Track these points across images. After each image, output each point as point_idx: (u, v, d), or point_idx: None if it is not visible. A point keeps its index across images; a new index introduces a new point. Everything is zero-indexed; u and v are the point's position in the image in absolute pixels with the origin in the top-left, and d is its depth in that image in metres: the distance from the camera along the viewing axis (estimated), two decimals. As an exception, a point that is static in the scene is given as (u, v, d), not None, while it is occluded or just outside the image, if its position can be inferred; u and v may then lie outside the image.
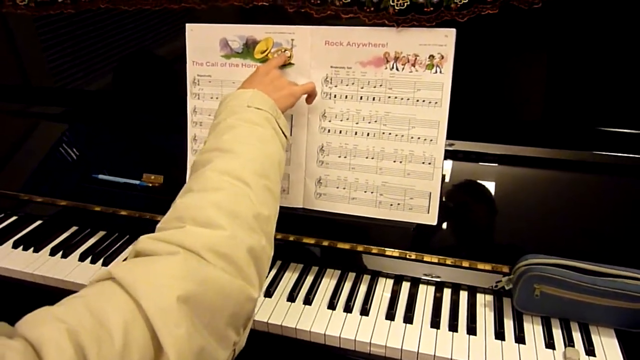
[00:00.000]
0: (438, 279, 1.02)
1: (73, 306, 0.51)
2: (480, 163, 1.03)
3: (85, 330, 0.47)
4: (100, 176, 1.23)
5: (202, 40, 1.05)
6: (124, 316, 0.49)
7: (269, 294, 1.01)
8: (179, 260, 0.56)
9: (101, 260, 1.13)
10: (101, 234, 1.23)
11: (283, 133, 0.84)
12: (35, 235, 1.23)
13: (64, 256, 1.15)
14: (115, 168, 1.23)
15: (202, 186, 0.68)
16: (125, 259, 0.82)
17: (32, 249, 1.18)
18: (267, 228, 0.70)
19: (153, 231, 1.19)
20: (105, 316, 0.49)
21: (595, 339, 0.89)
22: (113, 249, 1.17)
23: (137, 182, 1.20)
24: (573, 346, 0.88)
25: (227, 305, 0.58)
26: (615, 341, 0.89)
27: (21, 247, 1.19)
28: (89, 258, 1.14)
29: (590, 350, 0.87)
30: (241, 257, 0.62)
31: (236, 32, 1.03)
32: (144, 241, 0.61)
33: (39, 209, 1.29)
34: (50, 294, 1.11)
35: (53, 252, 1.17)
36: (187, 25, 1.05)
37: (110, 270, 0.55)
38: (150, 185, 1.19)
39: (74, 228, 1.25)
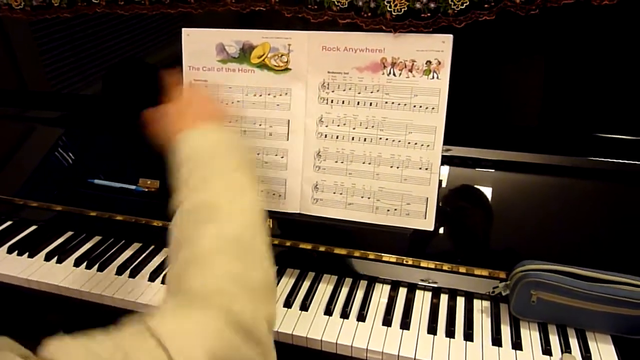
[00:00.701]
0: (435, 285, 1.02)
1: (107, 345, 0.51)
2: (477, 169, 1.03)
3: None
4: (96, 181, 1.22)
5: (199, 45, 1.05)
6: None
7: (265, 299, 1.01)
8: (215, 318, 0.56)
9: (97, 266, 1.12)
10: (97, 239, 1.23)
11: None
12: (30, 240, 1.23)
13: (59, 261, 1.15)
14: (111, 173, 1.23)
15: (206, 257, 0.63)
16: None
17: (27, 254, 1.17)
18: (273, 285, 0.68)
19: (148, 237, 1.19)
20: None
21: (592, 345, 0.89)
22: (109, 254, 1.16)
23: (134, 187, 1.19)
24: (570, 352, 0.88)
25: None
26: (612, 347, 0.89)
27: (16, 252, 1.18)
28: (85, 263, 1.13)
29: (587, 356, 0.87)
30: (262, 331, 0.60)
31: (233, 37, 1.03)
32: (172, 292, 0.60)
33: (34, 214, 1.28)
34: (45, 299, 1.11)
35: (48, 258, 1.16)
36: (183, 29, 1.05)
37: (147, 321, 0.54)
38: (147, 190, 1.18)
39: (70, 233, 1.25)
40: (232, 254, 0.63)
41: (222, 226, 0.66)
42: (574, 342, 0.90)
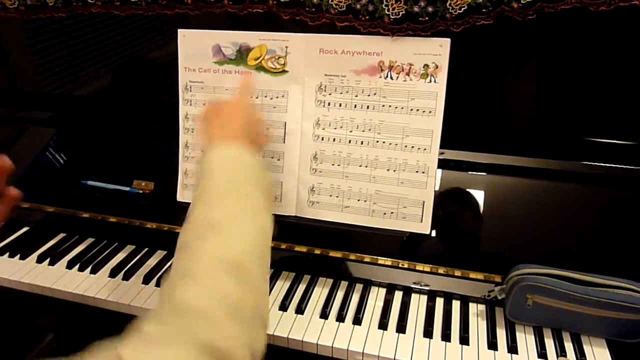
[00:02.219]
0: (430, 288, 1.02)
1: None
2: (470, 172, 1.03)
3: None
4: (90, 182, 1.21)
5: (195, 46, 1.04)
6: None
7: (260, 302, 1.00)
8: (188, 347, 0.54)
9: (89, 268, 1.11)
10: (90, 240, 1.21)
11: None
12: (22, 242, 1.21)
13: (52, 263, 1.13)
14: (104, 174, 1.22)
15: (199, 273, 0.63)
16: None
17: (18, 255, 1.15)
18: (264, 316, 0.66)
19: (142, 239, 1.18)
20: None
21: (587, 349, 0.90)
22: (102, 256, 1.15)
23: (127, 188, 1.18)
24: (565, 356, 0.88)
25: None
26: (607, 351, 0.89)
27: (7, 254, 1.16)
28: (77, 265, 1.12)
29: (582, 360, 0.87)
30: (240, 358, 0.58)
31: (229, 39, 1.02)
32: (151, 321, 0.58)
33: (26, 216, 1.27)
34: (37, 301, 1.09)
35: (40, 260, 1.14)
36: (179, 30, 1.05)
37: (119, 352, 0.53)
38: (141, 192, 1.17)
39: (62, 235, 1.23)
40: (226, 276, 0.63)
41: (224, 246, 0.66)
42: (569, 346, 0.90)
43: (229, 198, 0.72)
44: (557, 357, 0.88)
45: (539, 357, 0.88)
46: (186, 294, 0.60)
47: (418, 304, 1.01)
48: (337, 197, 1.03)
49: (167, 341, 0.55)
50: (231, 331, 0.58)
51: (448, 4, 0.87)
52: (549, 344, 0.91)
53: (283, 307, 0.99)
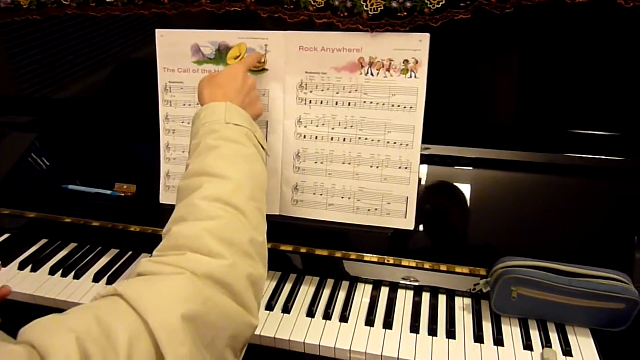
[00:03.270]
0: (417, 284, 1.02)
1: (82, 316, 0.52)
2: (456, 167, 1.04)
3: (93, 341, 0.48)
4: (71, 187, 1.20)
5: (173, 46, 1.03)
6: (129, 331, 0.50)
7: (247, 303, 1.00)
8: (186, 280, 0.57)
9: (73, 273, 1.10)
10: (72, 246, 1.20)
11: (262, 147, 0.83)
12: (3, 250, 1.19)
13: (34, 270, 1.12)
14: (86, 178, 1.20)
15: (196, 215, 0.67)
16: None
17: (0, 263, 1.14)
18: (263, 252, 0.70)
19: (126, 242, 1.17)
20: (112, 329, 0.50)
21: (572, 339, 0.90)
22: (85, 261, 1.14)
23: (109, 192, 1.17)
24: (551, 347, 0.89)
25: (229, 328, 0.60)
26: (592, 341, 0.90)
27: (-12, 262, 1.15)
28: (60, 271, 1.11)
29: (567, 350, 0.88)
30: (242, 287, 0.62)
31: (208, 38, 1.01)
32: (145, 264, 0.61)
33: (6, 222, 1.25)
34: (18, 309, 1.07)
35: (22, 266, 1.13)
36: (157, 30, 1.03)
37: (116, 287, 0.55)
38: (123, 195, 1.16)
39: (44, 241, 1.22)
40: (221, 211, 0.67)
41: (218, 188, 0.70)
42: (554, 337, 0.91)
43: (220, 148, 0.75)
44: (543, 348, 0.88)
45: (524, 348, 0.89)
46: (183, 229, 0.65)
47: (405, 299, 1.01)
48: (321, 195, 1.02)
49: (165, 276, 0.58)
50: (227, 261, 0.62)
51: (426, -1, 0.87)
52: (535, 335, 0.91)
53: (270, 307, 0.99)
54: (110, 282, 1.07)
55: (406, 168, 0.97)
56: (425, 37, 0.91)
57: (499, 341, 0.90)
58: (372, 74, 0.95)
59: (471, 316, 0.96)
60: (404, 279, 1.03)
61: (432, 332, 0.93)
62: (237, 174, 0.73)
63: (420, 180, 0.99)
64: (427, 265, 1.01)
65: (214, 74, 0.90)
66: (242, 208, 0.69)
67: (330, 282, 1.05)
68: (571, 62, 0.98)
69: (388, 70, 0.94)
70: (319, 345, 0.91)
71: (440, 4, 0.87)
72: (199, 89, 0.88)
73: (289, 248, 1.07)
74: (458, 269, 1.00)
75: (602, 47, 0.95)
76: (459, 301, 1.00)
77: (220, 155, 0.74)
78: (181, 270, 0.58)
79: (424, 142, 0.97)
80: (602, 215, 0.97)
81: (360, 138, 0.98)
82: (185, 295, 0.56)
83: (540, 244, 0.97)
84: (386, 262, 1.02)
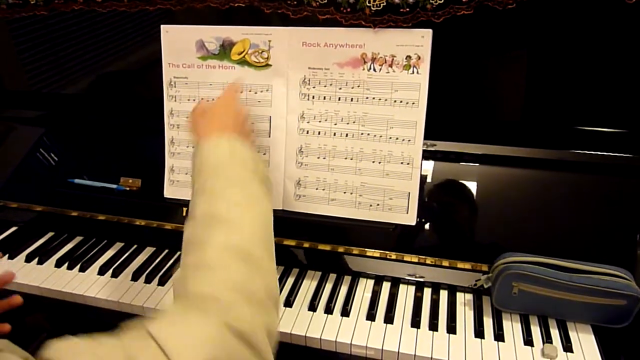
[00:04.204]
0: (418, 279, 1.03)
1: (112, 349, 0.52)
2: (461, 163, 1.04)
3: None
4: (77, 180, 1.21)
5: (178, 42, 1.04)
6: None
7: (249, 297, 1.00)
8: (213, 325, 0.57)
9: (78, 266, 1.11)
10: (78, 239, 1.22)
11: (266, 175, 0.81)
12: (11, 242, 1.21)
13: (40, 262, 1.13)
14: (92, 172, 1.21)
15: (211, 264, 0.65)
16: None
17: (7, 255, 1.15)
18: (275, 294, 0.69)
19: (131, 236, 1.19)
20: None
21: (572, 335, 0.90)
22: (90, 254, 1.15)
23: (115, 186, 1.18)
24: (551, 343, 0.89)
25: None
26: (592, 337, 0.90)
27: (-4, 254, 1.16)
28: (66, 264, 1.12)
29: (567, 346, 0.88)
30: (260, 339, 0.61)
31: (212, 34, 1.02)
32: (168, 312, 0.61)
33: (13, 215, 1.27)
34: (26, 301, 1.09)
35: (29, 259, 1.14)
36: (162, 26, 1.04)
37: (148, 328, 0.55)
38: (128, 189, 1.17)
39: (51, 234, 1.23)
40: (236, 263, 0.65)
41: (231, 235, 0.68)
42: (555, 333, 0.91)
43: (228, 189, 0.74)
44: (543, 344, 0.88)
45: (525, 344, 0.89)
46: (200, 285, 0.63)
47: (406, 294, 1.01)
48: (324, 190, 1.03)
49: (192, 320, 0.58)
50: (247, 314, 0.61)
51: (429, -6, 0.87)
52: (535, 331, 0.91)
53: (271, 300, 1.00)
54: (115, 274, 1.09)
55: (408, 163, 0.98)
56: (428, 33, 0.91)
57: (499, 336, 0.90)
58: (374, 70, 0.96)
59: (472, 312, 0.96)
60: (405, 274, 1.03)
61: (433, 326, 0.93)
62: (247, 218, 0.71)
63: (425, 176, 1.00)
64: (429, 261, 1.01)
65: (205, 103, 0.90)
66: (258, 254, 0.68)
67: (332, 277, 1.06)
68: (576, 58, 0.98)
69: (390, 65, 0.95)
70: (320, 338, 0.92)
71: (443, -1, 0.87)
72: (192, 118, 0.88)
73: (292, 242, 1.07)
74: (460, 265, 1.00)
75: (608, 43, 0.95)
76: (460, 296, 1.00)
77: (229, 198, 0.73)
78: (210, 311, 0.59)
79: (429, 138, 0.98)
80: (605, 212, 0.97)
81: (362, 133, 0.99)
82: (212, 340, 0.56)
83: (543, 240, 0.97)
84: (388, 257, 1.03)
